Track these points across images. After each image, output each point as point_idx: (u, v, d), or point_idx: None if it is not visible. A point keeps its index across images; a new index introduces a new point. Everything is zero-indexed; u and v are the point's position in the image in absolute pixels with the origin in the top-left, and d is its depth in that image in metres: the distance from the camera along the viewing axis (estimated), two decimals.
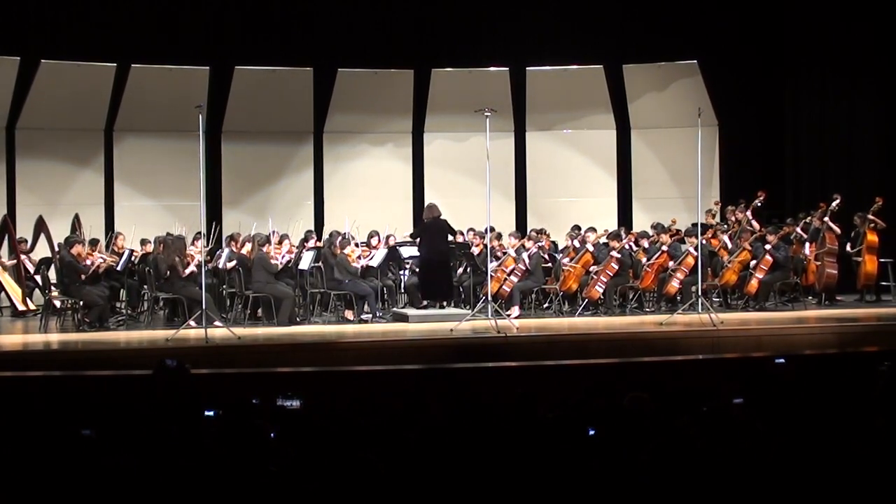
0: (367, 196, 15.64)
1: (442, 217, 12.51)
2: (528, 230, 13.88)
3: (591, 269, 12.57)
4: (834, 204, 13.24)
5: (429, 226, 12.44)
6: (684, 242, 12.99)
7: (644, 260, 12.76)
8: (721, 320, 11.04)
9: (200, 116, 10.75)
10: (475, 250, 12.94)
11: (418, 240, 12.68)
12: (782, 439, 4.14)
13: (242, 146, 15.67)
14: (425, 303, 12.45)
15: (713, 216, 13.58)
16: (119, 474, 3.92)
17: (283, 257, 11.96)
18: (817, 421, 4.90)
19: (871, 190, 13.68)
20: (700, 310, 11.27)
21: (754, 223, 13.59)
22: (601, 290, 12.44)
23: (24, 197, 14.63)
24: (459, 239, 13.56)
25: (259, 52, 15.32)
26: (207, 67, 15.11)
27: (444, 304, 12.56)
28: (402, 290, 13.25)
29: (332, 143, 16.00)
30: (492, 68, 15.95)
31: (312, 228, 14.56)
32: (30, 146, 14.72)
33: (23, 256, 13.02)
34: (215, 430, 4.90)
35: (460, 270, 13.05)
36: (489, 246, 12.16)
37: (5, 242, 13.21)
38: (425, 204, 13.23)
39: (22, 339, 11.30)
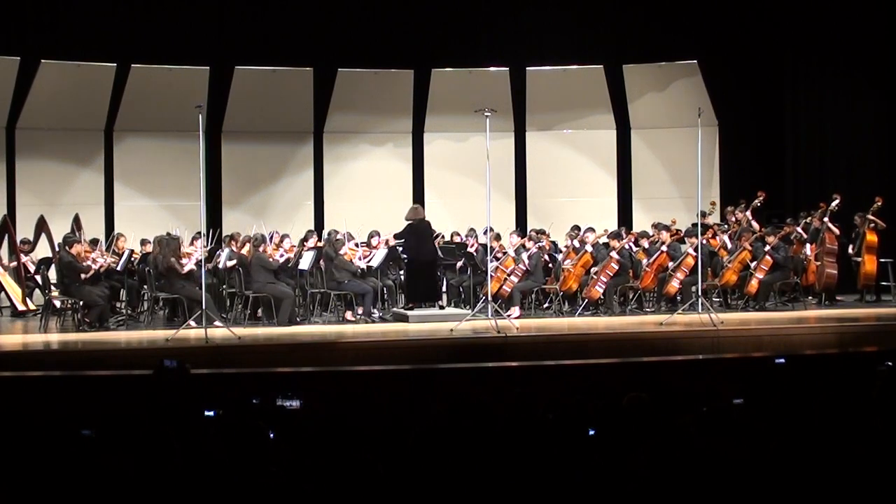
0: (367, 196, 15.64)
1: (426, 219, 12.45)
2: (528, 230, 13.88)
3: (591, 269, 12.57)
4: (834, 204, 13.24)
5: (414, 227, 12.38)
6: (684, 242, 13.00)
7: (644, 260, 12.76)
8: (721, 320, 11.04)
9: (200, 116, 10.75)
10: (471, 250, 12.94)
11: (403, 241, 12.57)
12: (782, 439, 4.14)
13: (242, 146, 15.67)
14: (411, 305, 12.37)
15: (705, 217, 13.61)
16: (119, 474, 3.92)
17: (281, 256, 11.96)
18: (817, 421, 4.90)
19: (871, 190, 13.69)
20: (700, 310, 11.26)
21: (754, 223, 13.60)
22: (601, 290, 12.45)
23: (24, 197, 14.63)
24: (456, 239, 13.56)
25: (259, 52, 15.33)
26: (207, 67, 15.11)
27: (443, 304, 12.54)
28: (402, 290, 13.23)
29: (332, 143, 16.00)
30: (492, 68, 15.95)
31: (313, 228, 14.56)
32: (30, 146, 14.73)
33: (23, 256, 13.02)
34: (215, 430, 4.90)
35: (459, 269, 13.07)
36: (489, 246, 12.16)
37: (5, 242, 13.21)
38: (411, 205, 13.13)
39: (22, 339, 11.29)
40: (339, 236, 12.37)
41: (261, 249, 11.71)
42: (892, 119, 15.24)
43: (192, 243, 12.47)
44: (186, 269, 11.39)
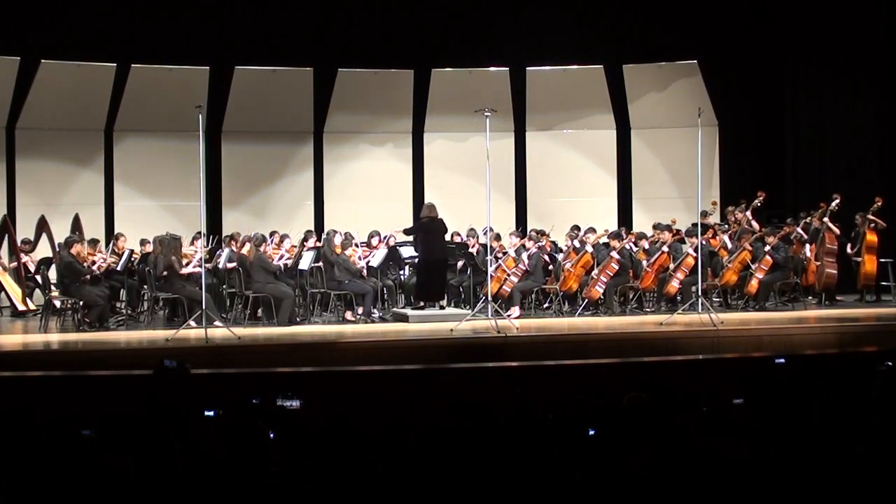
0: (367, 196, 15.64)
1: (439, 217, 12.43)
2: (528, 230, 13.88)
3: (591, 269, 12.57)
4: (834, 204, 13.25)
5: (425, 225, 12.37)
6: (684, 242, 13.00)
7: (644, 260, 12.76)
8: (721, 320, 11.04)
9: (200, 116, 10.75)
10: (472, 250, 12.95)
11: (413, 238, 12.57)
12: (782, 439, 4.14)
13: (242, 146, 15.67)
14: (422, 303, 12.38)
15: (707, 216, 13.64)
16: (119, 474, 3.92)
17: (280, 258, 11.95)
18: (817, 421, 4.90)
19: (871, 190, 13.69)
20: (700, 310, 11.26)
21: (754, 223, 13.59)
22: (601, 290, 12.45)
23: (24, 197, 14.63)
24: (457, 239, 13.54)
25: (259, 52, 15.33)
26: (207, 67, 15.11)
27: (443, 304, 12.52)
28: (402, 290, 13.23)
29: (332, 143, 16.00)
30: (492, 68, 15.95)
31: (312, 228, 14.57)
32: (30, 146, 14.73)
33: (24, 256, 13.02)
34: (215, 430, 4.90)
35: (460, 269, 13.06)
36: (489, 246, 12.15)
37: (5, 242, 13.21)
38: (424, 202, 13.19)
39: (22, 339, 11.29)
40: (340, 238, 12.32)
41: (261, 249, 11.72)
42: (892, 119, 15.24)
43: (191, 243, 12.47)
44: (185, 270, 11.40)
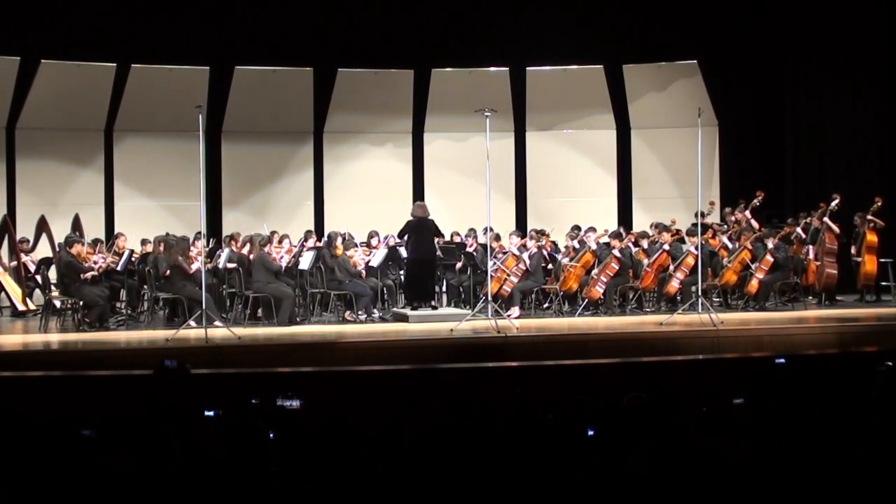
0: (367, 196, 15.64)
1: (429, 217, 12.38)
2: (528, 230, 13.88)
3: (591, 269, 12.57)
4: (834, 204, 13.24)
5: (413, 225, 12.33)
6: (684, 242, 13.00)
7: (644, 260, 12.76)
8: (721, 320, 11.03)
9: (200, 116, 10.74)
10: (469, 250, 12.95)
11: (405, 238, 12.56)
12: (782, 439, 4.14)
13: (242, 146, 15.67)
14: (414, 304, 12.34)
15: (704, 217, 13.63)
16: (119, 474, 3.92)
17: (282, 258, 11.95)
18: (817, 421, 4.90)
19: (871, 190, 13.69)
20: (700, 310, 11.26)
21: (754, 222, 13.60)
22: (601, 290, 12.45)
23: (24, 197, 14.63)
24: (456, 239, 13.53)
25: (259, 52, 15.33)
26: (207, 67, 15.11)
27: (435, 304, 12.48)
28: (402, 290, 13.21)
29: (332, 143, 16.01)
30: (492, 68, 15.95)
31: (312, 228, 14.57)
32: (30, 146, 14.73)
33: (24, 256, 13.02)
34: (215, 430, 4.90)
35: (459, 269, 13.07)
36: (489, 246, 12.15)
37: (5, 242, 13.21)
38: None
39: (22, 339, 11.29)
40: (341, 240, 12.30)
41: (265, 250, 11.72)
42: (892, 119, 15.25)
43: (192, 243, 12.46)
44: (194, 268, 11.40)
